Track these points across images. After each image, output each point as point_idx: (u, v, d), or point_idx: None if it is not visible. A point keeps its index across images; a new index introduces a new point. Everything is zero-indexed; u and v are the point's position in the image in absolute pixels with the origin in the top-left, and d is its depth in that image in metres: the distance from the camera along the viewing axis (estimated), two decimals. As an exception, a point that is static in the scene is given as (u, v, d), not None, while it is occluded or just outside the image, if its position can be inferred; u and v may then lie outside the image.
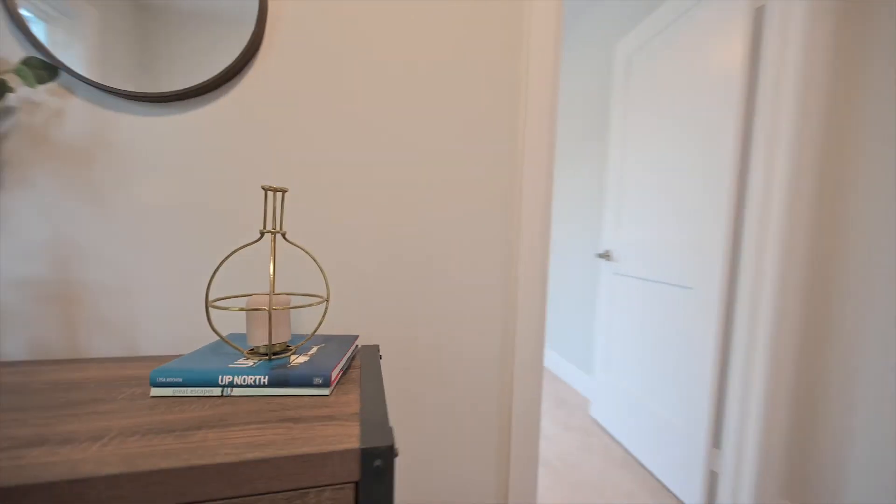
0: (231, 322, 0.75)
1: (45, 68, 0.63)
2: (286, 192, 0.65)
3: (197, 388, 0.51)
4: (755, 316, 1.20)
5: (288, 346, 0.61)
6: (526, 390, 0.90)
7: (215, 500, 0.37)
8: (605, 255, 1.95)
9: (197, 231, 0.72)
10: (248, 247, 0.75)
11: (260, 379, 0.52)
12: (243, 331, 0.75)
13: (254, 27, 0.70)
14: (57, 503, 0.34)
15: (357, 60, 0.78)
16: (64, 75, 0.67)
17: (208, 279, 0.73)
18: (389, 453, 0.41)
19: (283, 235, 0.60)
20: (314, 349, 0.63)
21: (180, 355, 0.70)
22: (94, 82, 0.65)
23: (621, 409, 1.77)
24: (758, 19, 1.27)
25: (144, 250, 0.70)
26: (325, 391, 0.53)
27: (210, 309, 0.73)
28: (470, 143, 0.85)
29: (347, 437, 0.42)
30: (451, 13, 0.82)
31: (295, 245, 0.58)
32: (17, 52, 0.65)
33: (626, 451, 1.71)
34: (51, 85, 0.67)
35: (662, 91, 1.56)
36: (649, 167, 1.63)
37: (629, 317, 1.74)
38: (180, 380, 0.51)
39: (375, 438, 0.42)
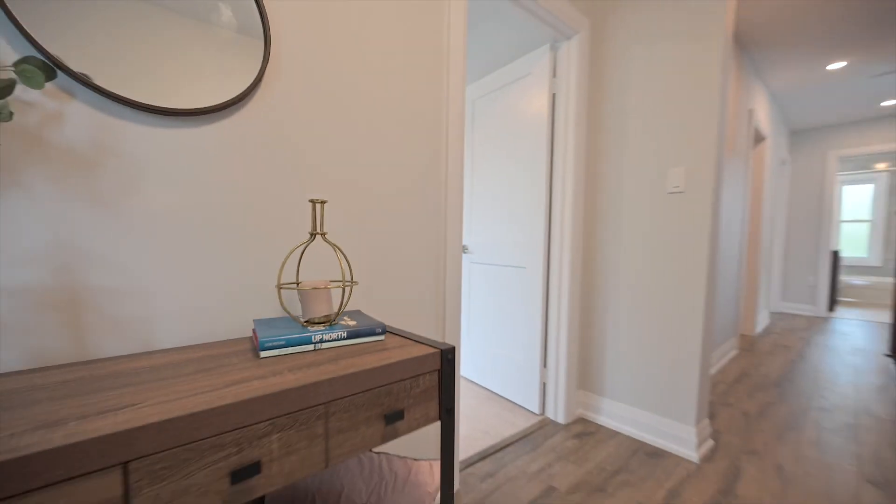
0: (260, 308, 0.87)
1: (43, 69, 0.63)
2: (326, 202, 0.86)
3: (296, 348, 0.71)
4: (560, 282, 1.96)
5: (328, 317, 0.83)
6: (450, 283, 1.31)
7: (371, 388, 0.64)
8: (464, 249, 2.54)
9: (209, 235, 0.83)
10: (301, 248, 0.89)
11: (340, 334, 0.75)
12: (272, 315, 0.88)
13: (260, 64, 0.86)
14: (246, 415, 0.55)
15: (337, 105, 1.02)
16: (62, 77, 0.68)
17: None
18: (454, 352, 0.75)
19: (324, 236, 0.82)
20: (347, 319, 0.87)
21: (215, 343, 0.80)
22: (100, 88, 0.69)
23: (482, 362, 2.39)
24: (552, 90, 2.03)
25: (156, 254, 0.76)
26: (382, 337, 0.81)
27: (281, 290, 0.84)
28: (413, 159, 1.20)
29: (428, 350, 0.74)
30: (401, 80, 1.15)
31: (330, 244, 0.81)
32: (7, 51, 0.63)
33: (489, 391, 2.33)
34: (48, 86, 0.67)
35: (499, 128, 2.22)
36: (491, 184, 2.28)
37: (483, 293, 2.37)
38: (283, 342, 0.69)
39: (446, 348, 0.75)
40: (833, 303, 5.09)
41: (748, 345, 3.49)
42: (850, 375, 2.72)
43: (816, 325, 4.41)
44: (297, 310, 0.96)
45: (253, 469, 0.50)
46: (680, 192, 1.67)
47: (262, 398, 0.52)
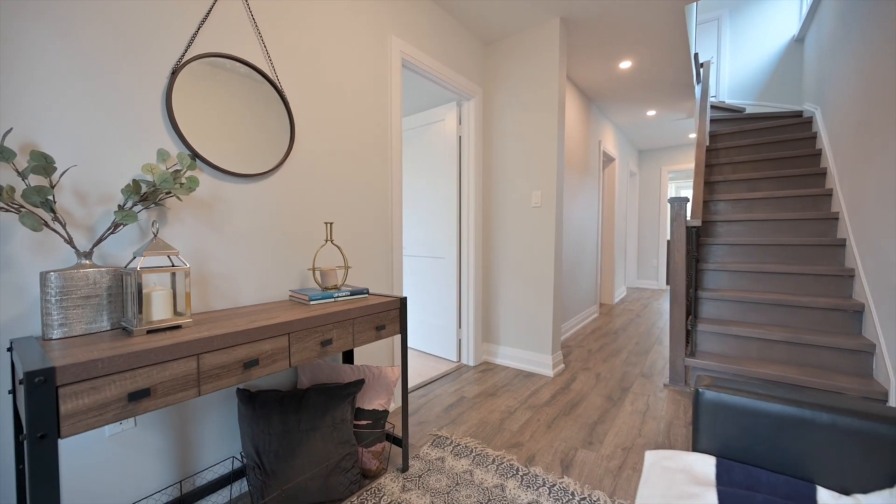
0: (292, 283, 1.51)
1: (193, 158, 1.24)
2: (333, 223, 1.54)
3: (326, 300, 1.38)
4: (468, 267, 2.80)
5: (336, 286, 1.51)
6: (396, 265, 2.05)
7: (371, 314, 1.35)
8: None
9: (267, 243, 1.45)
10: (319, 248, 1.53)
11: (347, 293, 1.45)
12: (298, 287, 1.52)
13: (287, 144, 1.51)
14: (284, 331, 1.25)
15: (334, 161, 1.69)
16: (199, 162, 1.27)
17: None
18: (404, 301, 1.49)
19: (332, 241, 1.50)
20: (346, 286, 1.56)
21: (270, 303, 1.42)
22: (215, 165, 1.30)
23: (417, 330, 3.15)
24: (458, 133, 2.85)
25: (241, 254, 1.38)
26: (367, 294, 1.52)
27: (313, 272, 1.48)
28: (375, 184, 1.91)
29: (393, 299, 1.47)
30: (361, 126, 1.84)
31: (336, 245, 1.50)
32: (168, 144, 1.22)
33: (421, 351, 3.10)
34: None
35: (423, 156, 2.99)
36: (418, 196, 3.04)
37: (416, 278, 3.12)
38: (321, 296, 1.37)
39: (402, 297, 1.49)
40: (669, 277, 6.88)
41: (607, 310, 4.79)
42: (662, 325, 4.06)
43: (656, 295, 6.02)
44: (310, 283, 1.61)
45: (328, 342, 1.19)
46: (538, 207, 2.61)
47: (328, 314, 1.21)
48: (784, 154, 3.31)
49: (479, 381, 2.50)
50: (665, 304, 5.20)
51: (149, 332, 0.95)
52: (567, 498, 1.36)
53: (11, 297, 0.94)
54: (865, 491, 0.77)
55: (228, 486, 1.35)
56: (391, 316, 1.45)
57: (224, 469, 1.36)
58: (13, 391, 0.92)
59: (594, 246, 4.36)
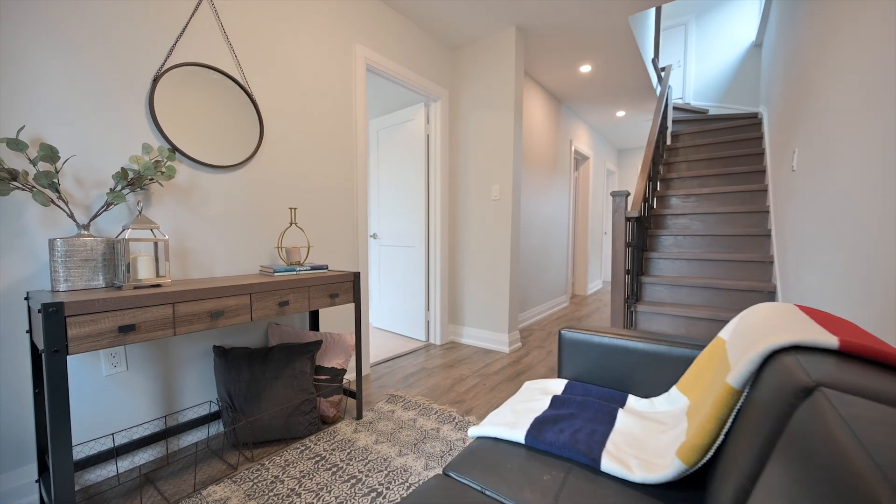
0: (262, 259, 1.77)
1: (172, 151, 1.49)
2: (297, 209, 1.80)
3: (289, 273, 1.64)
4: (436, 255, 3.06)
5: (299, 262, 1.76)
6: (361, 246, 2.31)
7: (326, 283, 1.61)
8: (374, 236, 3.52)
9: (238, 224, 1.71)
10: (285, 230, 1.79)
11: (308, 268, 1.71)
12: (267, 263, 1.77)
13: (257, 140, 1.76)
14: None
15: (304, 152, 1.94)
16: (177, 154, 1.52)
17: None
18: (358, 275, 1.75)
19: (296, 224, 1.76)
20: (309, 263, 1.81)
21: (242, 275, 1.68)
22: (192, 157, 1.55)
23: (390, 314, 3.41)
24: (427, 132, 3.10)
25: (216, 233, 1.63)
26: (326, 269, 1.78)
27: (278, 249, 1.74)
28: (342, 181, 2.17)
29: (346, 273, 1.73)
30: (332, 122, 2.10)
31: (299, 227, 1.76)
32: (151, 139, 1.47)
33: (394, 332, 3.36)
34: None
35: (395, 152, 3.24)
36: (392, 190, 3.30)
37: (390, 267, 3.38)
38: (285, 269, 1.63)
39: (356, 272, 1.75)
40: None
41: (579, 300, 5.07)
42: (623, 312, 4.34)
43: (631, 287, 6.30)
44: (278, 260, 1.86)
45: (285, 303, 1.45)
46: (497, 200, 2.87)
47: (286, 281, 1.46)
48: (734, 153, 3.59)
49: (443, 356, 2.77)
50: (635, 295, 5.48)
51: (135, 287, 1.21)
52: (489, 438, 1.63)
53: (26, 258, 1.20)
54: (657, 395, 1.04)
55: (206, 425, 1.61)
56: (345, 287, 1.71)
57: (203, 411, 1.62)
58: (30, 330, 1.17)
59: (564, 239, 4.63)
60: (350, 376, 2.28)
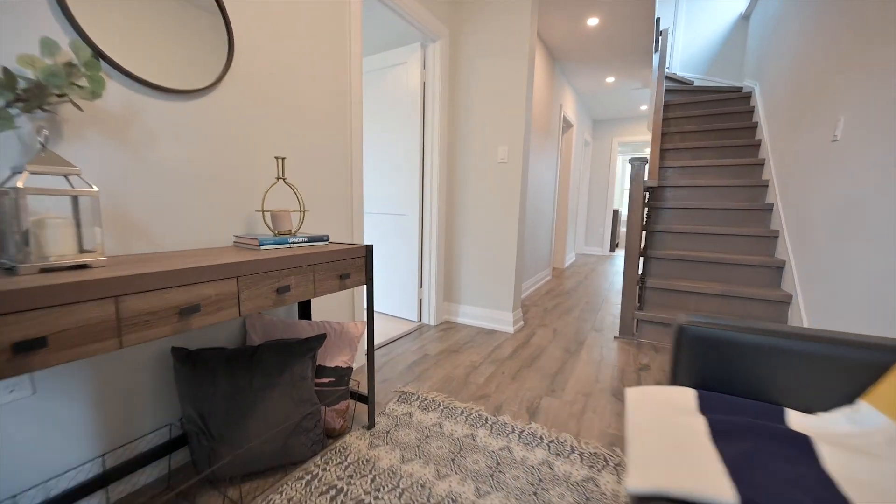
0: (236, 227, 1.29)
1: (96, 57, 0.96)
2: (286, 158, 1.32)
3: (280, 245, 1.20)
4: (431, 225, 2.68)
5: (290, 231, 1.32)
6: (357, 215, 1.89)
7: (334, 261, 1.20)
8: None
9: (202, 176, 1.21)
10: (270, 187, 1.30)
11: (303, 239, 1.27)
12: (244, 233, 1.30)
13: (225, 59, 1.25)
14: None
15: (277, 88, 1.44)
16: (105, 64, 0.99)
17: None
18: (370, 249, 1.35)
19: (285, 180, 1.30)
20: (303, 233, 1.37)
21: (211, 248, 1.21)
22: (130, 73, 1.03)
23: (377, 292, 3.01)
24: (423, 79, 2.64)
25: (169, 188, 1.13)
26: (327, 242, 1.35)
27: (262, 213, 1.26)
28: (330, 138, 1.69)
29: (358, 246, 1.32)
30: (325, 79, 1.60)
31: (289, 185, 1.30)
32: (57, 33, 0.93)
33: (383, 313, 2.98)
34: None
35: (383, 101, 2.74)
36: (377, 146, 2.82)
37: (376, 237, 2.95)
38: (274, 241, 1.18)
39: (368, 245, 1.34)
40: (613, 245, 7.32)
41: (558, 274, 4.98)
42: (607, 286, 4.30)
43: (602, 260, 6.38)
44: (260, 228, 1.40)
45: (286, 289, 1.03)
46: (504, 163, 2.53)
47: (285, 258, 1.04)
48: (726, 126, 3.52)
49: (442, 339, 2.46)
50: (610, 269, 5.52)
51: (42, 270, 0.73)
52: (536, 441, 1.37)
53: None
54: (827, 409, 0.82)
55: (167, 457, 1.17)
56: (356, 265, 1.31)
57: (161, 438, 1.18)
58: None
59: (551, 210, 4.43)
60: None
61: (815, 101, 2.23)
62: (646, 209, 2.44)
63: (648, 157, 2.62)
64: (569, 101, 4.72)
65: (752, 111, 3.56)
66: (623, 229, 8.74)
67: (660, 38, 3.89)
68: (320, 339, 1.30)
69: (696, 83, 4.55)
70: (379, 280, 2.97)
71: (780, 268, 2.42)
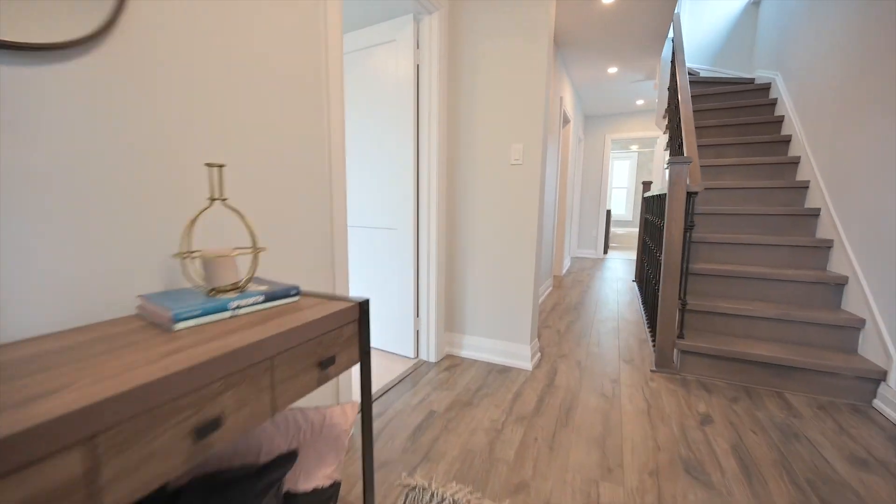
0: (146, 282, 0.78)
1: None
2: (224, 166, 0.81)
3: (212, 316, 0.70)
4: (429, 241, 2.20)
5: (235, 284, 0.82)
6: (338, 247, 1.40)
7: (309, 340, 0.71)
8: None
9: (83, 195, 0.69)
10: (200, 213, 0.78)
11: (257, 299, 0.77)
12: (158, 289, 0.79)
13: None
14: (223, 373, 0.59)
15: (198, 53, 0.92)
16: None
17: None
18: (368, 303, 0.86)
19: (223, 200, 0.80)
20: (255, 285, 0.87)
21: (89, 326, 0.69)
22: None
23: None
24: (416, 60, 2.15)
25: (9, 212, 0.61)
26: (297, 298, 0.85)
27: (183, 258, 0.74)
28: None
29: (347, 306, 0.83)
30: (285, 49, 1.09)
31: (233, 209, 0.80)
32: None
33: (373, 348, 2.48)
34: None
35: (367, 90, 2.24)
36: (362, 145, 2.31)
37: (360, 255, 2.44)
38: (200, 311, 0.68)
39: (362, 300, 0.86)
40: (606, 247, 7.03)
41: (558, 283, 4.60)
42: (614, 296, 3.94)
43: (597, 264, 6.06)
44: (181, 283, 0.89)
45: (213, 425, 0.54)
46: (519, 165, 2.08)
47: (213, 360, 0.54)
48: (747, 120, 3.20)
49: (447, 383, 1.99)
50: (609, 274, 5.19)
51: None
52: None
53: None
54: None
55: None
56: (345, 335, 0.82)
57: None
58: None
59: (552, 215, 4.03)
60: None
61: (878, 91, 1.89)
62: (690, 219, 2.05)
63: (685, 152, 2.23)
64: (567, 94, 4.33)
65: (773, 104, 3.26)
66: (615, 230, 8.51)
67: (675, 19, 3.53)
68: (288, 461, 0.80)
69: (703, 74, 4.24)
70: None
71: (840, 285, 2.09)
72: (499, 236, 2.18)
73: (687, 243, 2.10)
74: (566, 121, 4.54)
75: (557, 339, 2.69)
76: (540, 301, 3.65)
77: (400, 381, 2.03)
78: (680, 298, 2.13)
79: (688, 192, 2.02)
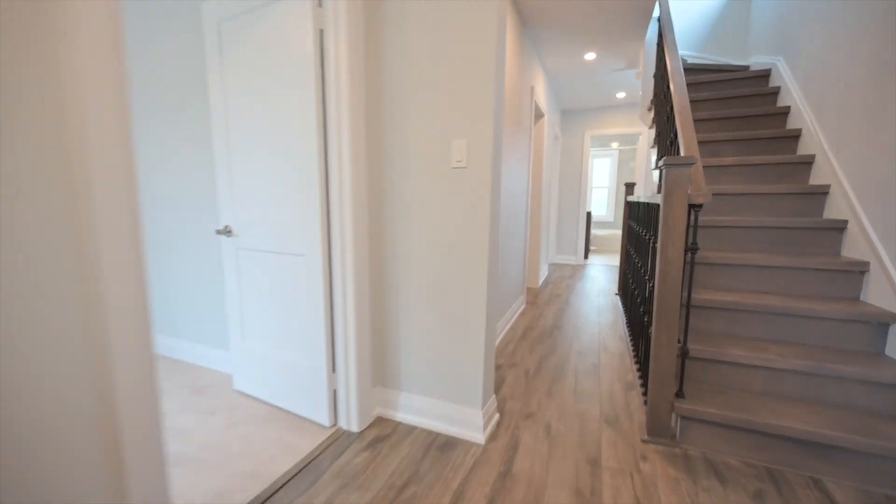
0: None
1: None
2: None
3: None
4: (344, 270, 1.62)
5: None
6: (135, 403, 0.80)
7: None
8: (227, 231, 1.90)
9: None
10: None
11: None
12: None
13: None
14: None
15: None
16: None
17: None
18: None
19: None
20: None
21: None
22: None
23: (260, 370, 1.90)
24: (317, 24, 1.56)
25: None
26: None
27: None
28: None
29: None
30: None
31: None
32: None
33: (270, 405, 1.88)
34: None
35: (257, 66, 1.63)
36: (254, 143, 1.70)
37: (258, 285, 1.84)
38: None
39: None
40: (587, 252, 6.58)
41: (533, 297, 4.07)
42: (595, 316, 3.43)
43: (577, 272, 5.58)
44: None
45: None
46: (462, 168, 1.51)
47: None
48: (746, 112, 2.72)
49: (365, 473, 1.42)
50: (591, 285, 4.70)
51: None
52: None
53: None
54: None
55: None
56: None
57: None
58: None
59: (524, 221, 3.49)
60: None
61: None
62: (693, 240, 1.52)
63: (682, 150, 1.71)
64: (540, 84, 3.80)
65: (775, 93, 2.79)
66: (596, 232, 8.08)
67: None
68: None
69: (690, 61, 3.77)
70: (263, 351, 1.87)
71: (885, 324, 1.60)
72: (440, 264, 1.61)
73: (688, 271, 1.57)
74: (539, 115, 4.01)
75: (525, 383, 2.14)
76: (509, 325, 3.11)
77: (299, 471, 1.44)
78: (680, 342, 1.61)
79: (690, 205, 1.49)
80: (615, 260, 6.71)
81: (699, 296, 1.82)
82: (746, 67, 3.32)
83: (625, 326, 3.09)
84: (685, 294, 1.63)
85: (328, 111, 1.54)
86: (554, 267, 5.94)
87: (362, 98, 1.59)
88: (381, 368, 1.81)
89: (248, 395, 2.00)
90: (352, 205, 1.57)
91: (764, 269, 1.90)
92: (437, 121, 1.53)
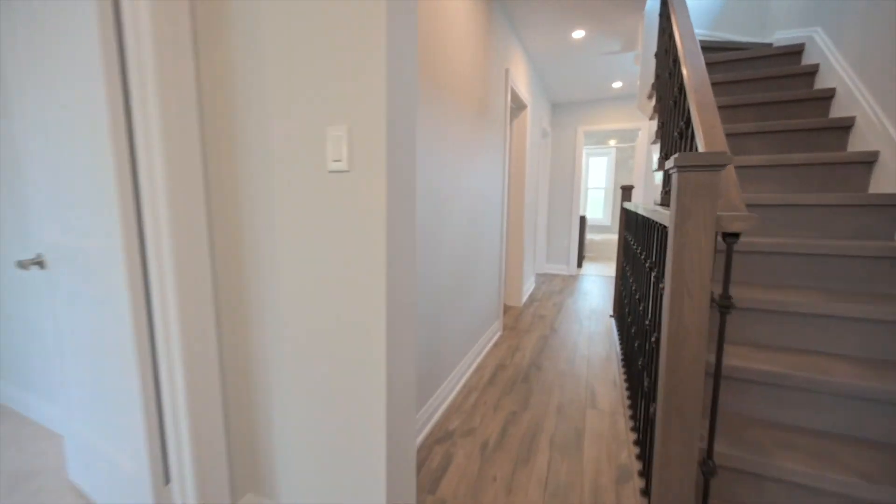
0: None
1: None
2: None
3: None
4: (167, 321, 1.01)
5: None
6: None
7: None
8: (41, 263, 1.30)
9: None
10: None
11: None
12: None
13: None
14: None
15: None
16: None
17: None
18: None
19: None
20: None
21: None
22: None
23: (93, 463, 1.30)
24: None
25: None
26: None
27: None
28: None
29: None
30: None
31: None
32: None
33: (88, 497, 1.28)
34: None
35: (41, 32, 1.03)
36: (62, 148, 1.10)
37: (79, 336, 1.24)
38: None
39: None
40: (581, 259, 5.97)
41: (513, 320, 3.47)
42: (585, 348, 2.83)
43: (569, 284, 4.97)
44: None
45: None
46: (342, 171, 0.91)
47: None
48: (774, 97, 2.11)
49: None
50: (583, 301, 4.09)
51: None
52: None
53: None
54: None
55: None
56: None
57: None
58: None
59: (497, 231, 2.89)
60: None
61: None
62: (726, 289, 0.92)
63: (701, 146, 1.11)
64: (520, 69, 3.19)
65: (812, 73, 2.19)
66: (591, 237, 7.47)
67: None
68: None
69: (701, 40, 3.17)
70: (89, 437, 1.26)
71: None
72: (322, 313, 1.01)
73: (720, 338, 0.96)
74: (521, 105, 3.40)
75: (477, 468, 1.53)
76: (477, 363, 2.50)
77: None
78: (704, 456, 1.01)
79: (724, 234, 0.88)
80: (612, 269, 6.10)
81: (727, 361, 1.22)
82: (769, 45, 2.72)
83: (619, 366, 2.48)
84: (714, 379, 1.02)
85: (130, 87, 0.93)
86: (542, 278, 5.33)
87: (190, 85, 0.98)
88: (249, 466, 1.21)
89: (82, 494, 1.39)
90: (168, 224, 0.97)
91: (821, 318, 1.29)
92: (303, 99, 0.92)
